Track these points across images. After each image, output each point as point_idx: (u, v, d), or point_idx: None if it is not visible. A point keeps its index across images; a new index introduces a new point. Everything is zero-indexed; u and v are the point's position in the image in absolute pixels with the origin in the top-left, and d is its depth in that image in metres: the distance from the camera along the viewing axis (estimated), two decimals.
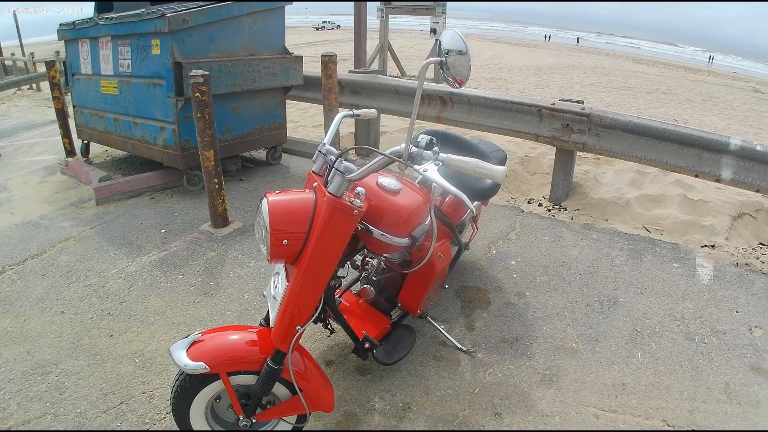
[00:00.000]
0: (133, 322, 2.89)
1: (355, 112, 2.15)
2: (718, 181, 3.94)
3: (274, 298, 1.81)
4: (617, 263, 3.58)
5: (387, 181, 2.01)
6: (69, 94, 5.78)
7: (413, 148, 1.67)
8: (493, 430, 2.03)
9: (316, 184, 1.77)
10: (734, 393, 2.43)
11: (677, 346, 2.74)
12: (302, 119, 7.68)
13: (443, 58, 1.67)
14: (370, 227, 1.89)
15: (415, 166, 1.55)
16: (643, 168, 5.17)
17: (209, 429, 1.93)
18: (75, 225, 4.14)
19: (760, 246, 4.07)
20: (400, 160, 1.63)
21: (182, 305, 3.03)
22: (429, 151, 1.63)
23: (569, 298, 3.16)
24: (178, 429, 1.90)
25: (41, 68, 14.96)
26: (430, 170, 1.50)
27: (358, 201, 1.65)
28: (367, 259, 2.31)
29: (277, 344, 1.72)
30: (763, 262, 3.70)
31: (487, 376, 2.49)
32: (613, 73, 19.08)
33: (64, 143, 5.59)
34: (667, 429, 2.21)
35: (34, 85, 14.07)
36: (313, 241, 1.64)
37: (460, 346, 2.66)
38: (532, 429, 2.08)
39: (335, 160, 1.65)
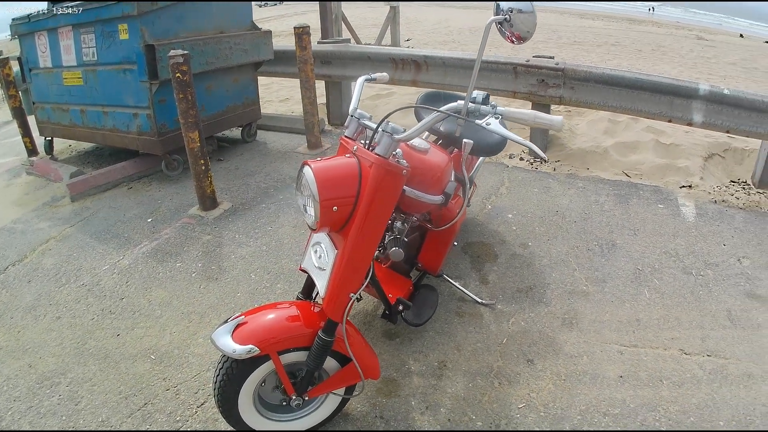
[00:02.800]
0: (139, 317, 2.76)
1: (372, 75, 2.15)
2: (690, 125, 4.08)
3: (320, 268, 1.77)
4: (607, 208, 3.69)
5: (416, 141, 2.01)
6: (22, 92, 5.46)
7: (470, 104, 1.68)
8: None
9: (355, 148, 1.74)
10: (737, 319, 2.58)
11: (678, 281, 2.87)
12: (267, 95, 7.49)
13: (507, 16, 1.66)
14: (405, 187, 1.89)
15: (477, 121, 1.55)
16: (614, 117, 5.29)
17: (258, 415, 1.85)
18: (53, 225, 3.93)
19: (732, 183, 4.27)
20: (460, 115, 1.63)
21: (187, 293, 2.93)
22: (486, 106, 1.63)
23: (570, 244, 3.25)
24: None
25: None
26: (493, 123, 1.50)
27: (404, 161, 1.64)
28: (395, 222, 2.30)
29: (330, 314, 1.69)
30: (738, 198, 3.90)
31: (511, 326, 2.55)
32: (561, 29, 19.18)
33: (24, 142, 5.27)
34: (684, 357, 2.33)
35: None
36: (363, 204, 1.61)
37: (479, 300, 2.71)
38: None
39: (381, 122, 1.63)
